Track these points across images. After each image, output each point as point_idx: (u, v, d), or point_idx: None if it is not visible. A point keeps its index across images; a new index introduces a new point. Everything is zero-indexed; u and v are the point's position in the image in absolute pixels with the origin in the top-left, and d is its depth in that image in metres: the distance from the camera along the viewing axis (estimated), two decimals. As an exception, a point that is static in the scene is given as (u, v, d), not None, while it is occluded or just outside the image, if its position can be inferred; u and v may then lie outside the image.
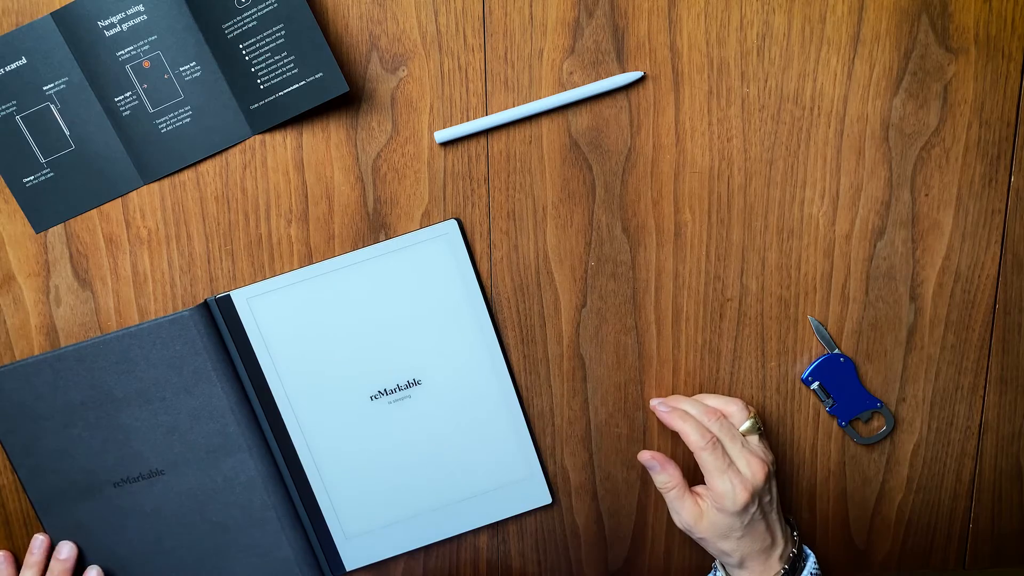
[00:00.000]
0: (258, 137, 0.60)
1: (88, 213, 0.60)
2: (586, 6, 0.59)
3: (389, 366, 0.63)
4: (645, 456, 0.63)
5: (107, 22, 0.57)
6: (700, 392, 0.65)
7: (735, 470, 0.58)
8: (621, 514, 0.68)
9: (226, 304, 0.61)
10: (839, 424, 0.66)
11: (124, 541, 0.64)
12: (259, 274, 0.62)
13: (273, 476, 0.63)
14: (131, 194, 0.60)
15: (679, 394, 0.65)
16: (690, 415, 0.61)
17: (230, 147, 0.60)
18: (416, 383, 0.63)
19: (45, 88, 0.58)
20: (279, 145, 0.60)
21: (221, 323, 0.61)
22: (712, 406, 0.62)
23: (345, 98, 0.59)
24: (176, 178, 0.60)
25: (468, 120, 0.60)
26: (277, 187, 0.61)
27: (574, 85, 0.60)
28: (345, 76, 0.58)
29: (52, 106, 0.58)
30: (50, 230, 0.60)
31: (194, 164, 0.60)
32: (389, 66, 0.59)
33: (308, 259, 0.62)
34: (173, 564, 0.64)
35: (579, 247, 0.63)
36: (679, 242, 0.63)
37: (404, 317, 0.62)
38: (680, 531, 0.67)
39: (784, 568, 0.60)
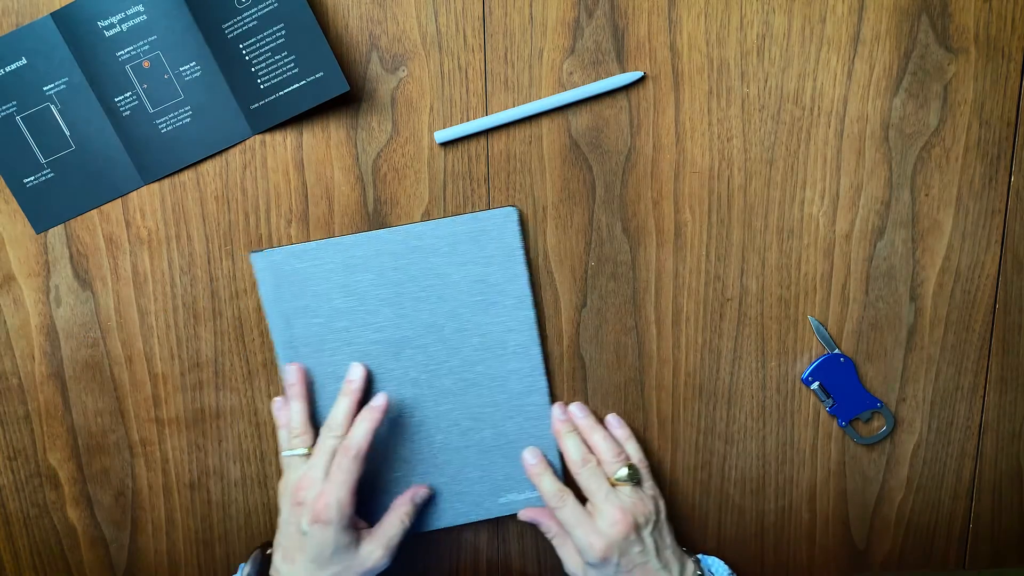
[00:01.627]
0: (258, 137, 0.60)
1: (88, 213, 0.60)
2: (586, 6, 0.59)
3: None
4: (525, 515, 0.64)
5: (107, 22, 0.57)
6: (700, 392, 0.65)
7: (591, 524, 0.58)
8: (621, 514, 0.68)
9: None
10: (839, 424, 0.66)
11: None
12: (259, 274, 0.62)
13: None
14: (131, 194, 0.60)
15: (607, 411, 0.65)
16: (570, 450, 0.61)
17: (230, 147, 0.60)
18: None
19: (45, 88, 0.58)
20: (279, 145, 0.60)
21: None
22: (602, 442, 0.62)
23: (345, 98, 0.59)
24: (176, 178, 0.60)
25: (468, 120, 0.60)
26: (277, 187, 0.61)
27: (574, 85, 0.60)
28: (345, 76, 0.58)
29: (52, 106, 0.58)
30: (50, 230, 0.60)
31: (194, 164, 0.60)
32: (389, 66, 0.59)
33: (308, 259, 0.62)
34: None
35: (579, 247, 0.63)
36: (679, 242, 0.63)
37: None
38: (680, 527, 0.67)
39: None
